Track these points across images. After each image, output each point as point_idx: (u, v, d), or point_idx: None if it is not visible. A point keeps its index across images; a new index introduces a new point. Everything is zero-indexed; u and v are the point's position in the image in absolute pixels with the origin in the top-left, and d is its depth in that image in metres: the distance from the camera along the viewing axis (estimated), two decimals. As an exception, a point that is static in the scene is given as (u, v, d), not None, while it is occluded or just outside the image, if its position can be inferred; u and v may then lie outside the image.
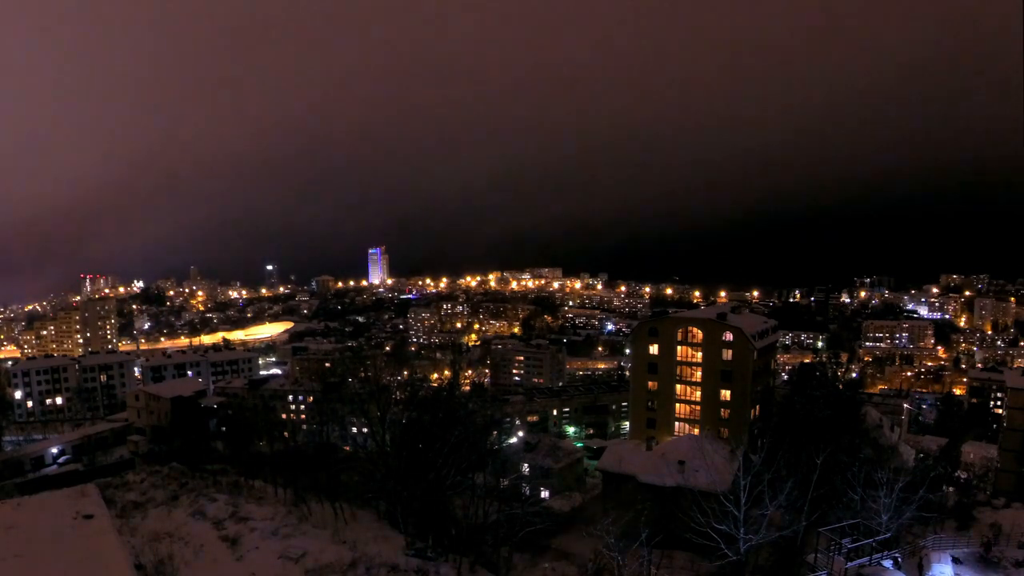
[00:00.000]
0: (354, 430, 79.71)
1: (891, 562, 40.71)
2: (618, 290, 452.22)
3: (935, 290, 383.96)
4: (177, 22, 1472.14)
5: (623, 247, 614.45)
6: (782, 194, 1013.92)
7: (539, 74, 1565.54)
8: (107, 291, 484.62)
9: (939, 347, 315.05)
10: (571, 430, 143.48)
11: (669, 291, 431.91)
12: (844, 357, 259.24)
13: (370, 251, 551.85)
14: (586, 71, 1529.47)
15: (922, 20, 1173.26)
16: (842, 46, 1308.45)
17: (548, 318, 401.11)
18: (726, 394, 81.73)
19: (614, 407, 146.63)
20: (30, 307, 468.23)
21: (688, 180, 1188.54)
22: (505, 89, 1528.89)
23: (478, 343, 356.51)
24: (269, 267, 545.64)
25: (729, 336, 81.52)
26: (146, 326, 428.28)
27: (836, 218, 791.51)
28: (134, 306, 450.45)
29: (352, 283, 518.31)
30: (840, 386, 71.93)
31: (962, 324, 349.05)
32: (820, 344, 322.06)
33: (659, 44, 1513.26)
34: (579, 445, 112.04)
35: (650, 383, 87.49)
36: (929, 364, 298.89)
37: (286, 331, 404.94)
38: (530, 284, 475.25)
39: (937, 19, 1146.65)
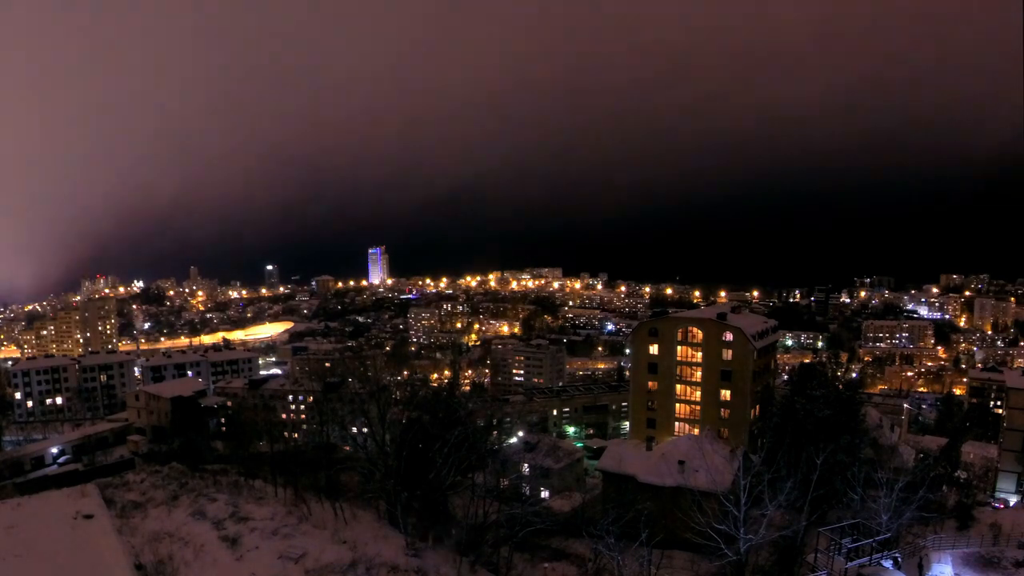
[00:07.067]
0: (354, 430, 79.65)
1: (891, 562, 40.69)
2: (618, 290, 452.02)
3: (935, 290, 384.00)
4: (175, 21, 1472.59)
5: (623, 247, 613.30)
6: (783, 194, 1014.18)
7: (537, 75, 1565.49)
8: (107, 291, 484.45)
9: (939, 347, 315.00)
10: (571, 430, 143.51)
11: (669, 291, 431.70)
12: (844, 357, 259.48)
13: (370, 251, 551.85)
14: (585, 74, 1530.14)
15: (925, 20, 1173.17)
16: (842, 48, 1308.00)
17: (548, 318, 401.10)
18: (726, 394, 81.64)
19: (614, 407, 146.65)
20: (30, 307, 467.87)
21: (688, 180, 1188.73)
22: (505, 90, 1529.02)
23: (478, 343, 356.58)
24: (269, 267, 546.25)
25: (729, 336, 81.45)
26: (146, 326, 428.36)
27: (837, 218, 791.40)
28: (134, 306, 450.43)
29: (352, 283, 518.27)
30: (840, 386, 71.84)
31: (962, 324, 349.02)
32: (820, 344, 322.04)
33: (659, 43, 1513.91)
34: (579, 445, 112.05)
35: (650, 383, 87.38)
36: (929, 364, 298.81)
37: (286, 331, 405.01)
38: (530, 284, 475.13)
39: (939, 17, 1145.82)
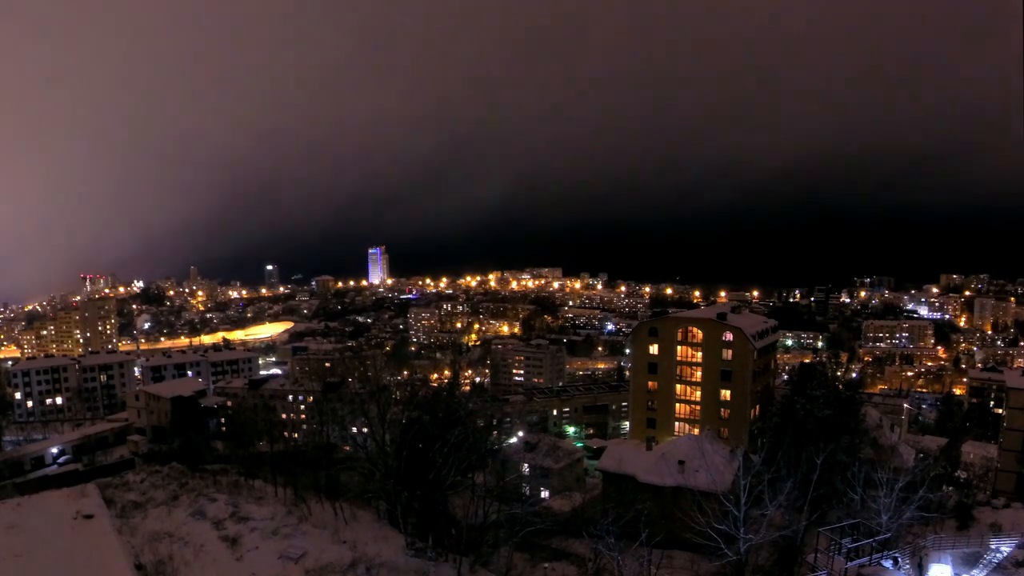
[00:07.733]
0: (354, 430, 79.64)
1: (891, 562, 40.70)
2: (618, 290, 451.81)
3: (935, 290, 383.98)
4: (181, 22, 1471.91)
5: (623, 247, 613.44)
6: (783, 194, 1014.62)
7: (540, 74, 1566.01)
8: (107, 291, 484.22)
9: (939, 347, 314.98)
10: (571, 430, 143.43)
11: (669, 291, 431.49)
12: (844, 357, 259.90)
13: (370, 251, 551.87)
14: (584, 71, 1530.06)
15: (919, 21, 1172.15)
16: (839, 49, 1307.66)
17: (548, 318, 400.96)
18: (726, 394, 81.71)
19: (614, 407, 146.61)
20: (30, 307, 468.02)
21: (689, 180, 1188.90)
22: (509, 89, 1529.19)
23: (478, 343, 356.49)
24: (269, 267, 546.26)
25: (729, 336, 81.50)
26: (146, 326, 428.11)
27: (836, 218, 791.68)
28: (134, 306, 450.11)
29: (352, 283, 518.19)
30: (840, 386, 71.75)
31: (962, 324, 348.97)
32: (820, 344, 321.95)
33: (670, 44, 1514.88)
34: (579, 445, 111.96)
35: (650, 383, 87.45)
36: (929, 364, 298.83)
37: (286, 331, 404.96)
38: (530, 284, 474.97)
39: (932, 19, 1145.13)
